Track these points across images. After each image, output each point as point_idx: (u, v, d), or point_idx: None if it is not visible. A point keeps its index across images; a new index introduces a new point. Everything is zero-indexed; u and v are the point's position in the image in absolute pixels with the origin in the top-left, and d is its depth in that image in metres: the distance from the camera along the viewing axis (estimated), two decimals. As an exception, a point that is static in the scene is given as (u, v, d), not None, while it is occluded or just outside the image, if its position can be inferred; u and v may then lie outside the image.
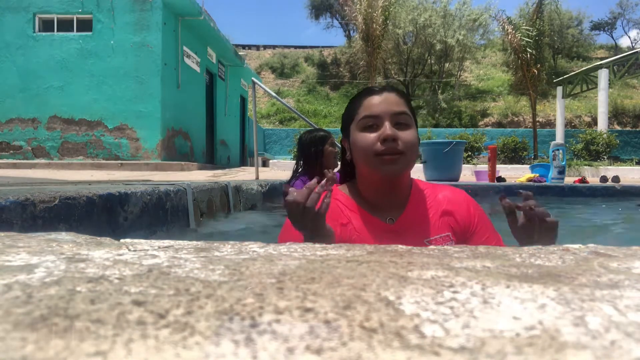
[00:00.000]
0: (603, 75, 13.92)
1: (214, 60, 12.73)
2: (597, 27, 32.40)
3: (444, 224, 1.20)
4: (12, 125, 9.56)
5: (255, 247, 0.42)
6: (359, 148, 1.18)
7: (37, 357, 0.20)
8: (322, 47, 32.53)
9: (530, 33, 15.68)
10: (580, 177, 6.81)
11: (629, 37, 36.02)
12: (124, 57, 9.34)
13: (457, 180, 6.49)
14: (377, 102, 1.18)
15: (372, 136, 1.15)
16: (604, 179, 7.21)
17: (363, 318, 0.24)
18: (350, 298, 0.27)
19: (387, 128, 1.13)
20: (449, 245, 1.06)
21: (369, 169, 1.17)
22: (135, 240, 0.44)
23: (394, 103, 1.18)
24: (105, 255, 0.37)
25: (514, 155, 13.02)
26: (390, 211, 1.20)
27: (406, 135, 1.15)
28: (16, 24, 9.41)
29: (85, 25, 9.53)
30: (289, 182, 2.74)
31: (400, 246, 0.43)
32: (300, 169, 2.81)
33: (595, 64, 15.53)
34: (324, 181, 1.05)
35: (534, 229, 1.04)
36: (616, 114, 22.91)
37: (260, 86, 5.76)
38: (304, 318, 0.24)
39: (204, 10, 10.27)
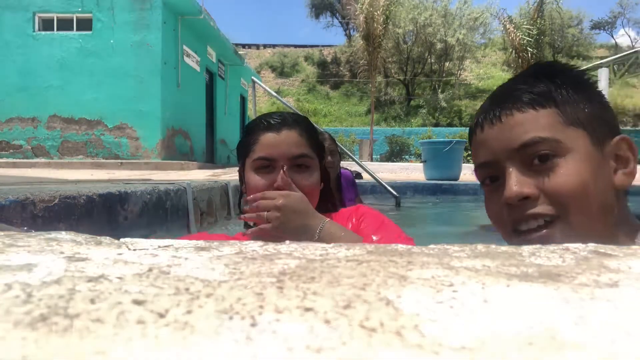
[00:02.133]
0: (603, 75, 13.88)
1: (214, 60, 12.73)
2: (597, 26, 32.40)
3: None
4: (12, 125, 9.55)
5: (255, 247, 0.42)
6: (250, 190, 1.07)
7: (37, 357, 0.20)
8: (322, 46, 32.51)
9: (531, 32, 15.67)
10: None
11: (629, 36, 36.00)
12: (124, 56, 9.33)
13: (457, 179, 6.49)
14: (274, 143, 1.05)
15: (263, 181, 1.04)
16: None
17: (363, 317, 0.24)
18: (350, 297, 0.27)
19: (280, 176, 1.02)
20: None
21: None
22: (135, 240, 0.44)
23: (293, 144, 1.06)
24: (105, 255, 0.37)
25: (514, 154, 13.00)
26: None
27: (304, 179, 1.05)
28: (16, 23, 9.40)
29: (85, 25, 9.52)
30: None
31: (400, 245, 0.43)
32: None
33: (595, 63, 15.51)
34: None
35: None
36: (616, 113, 22.89)
37: (260, 85, 5.76)
38: (303, 317, 0.24)
39: (204, 10, 10.27)
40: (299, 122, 1.12)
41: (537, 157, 0.66)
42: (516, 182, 0.66)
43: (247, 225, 1.20)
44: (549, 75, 0.71)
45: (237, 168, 1.24)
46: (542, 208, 0.66)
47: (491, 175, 0.73)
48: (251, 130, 1.12)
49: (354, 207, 1.27)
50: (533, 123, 0.67)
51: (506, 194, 0.67)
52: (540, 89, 0.70)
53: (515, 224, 0.69)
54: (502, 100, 0.71)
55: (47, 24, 9.61)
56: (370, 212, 1.22)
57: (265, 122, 1.09)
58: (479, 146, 0.74)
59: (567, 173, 0.65)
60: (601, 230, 0.66)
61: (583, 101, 0.70)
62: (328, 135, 2.69)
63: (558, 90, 0.70)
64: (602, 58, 19.91)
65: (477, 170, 0.76)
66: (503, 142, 0.69)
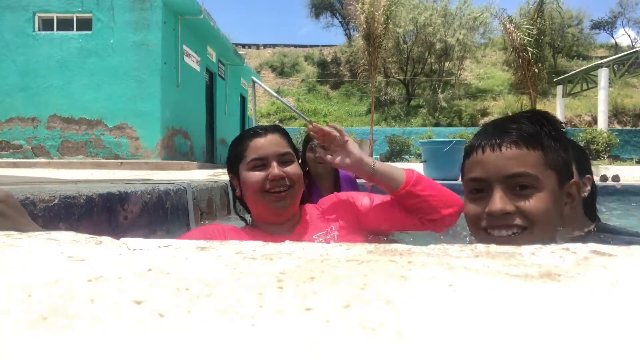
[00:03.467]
0: (603, 74, 13.90)
1: (214, 59, 12.72)
2: (597, 26, 32.36)
3: (323, 223, 1.36)
4: (12, 124, 9.55)
5: (255, 246, 0.42)
6: (249, 186, 1.28)
7: (37, 357, 0.20)
8: (322, 46, 32.49)
9: (531, 32, 15.64)
10: (580, 176, 6.78)
11: (629, 36, 35.96)
12: (124, 56, 9.33)
13: (456, 179, 6.49)
14: (263, 145, 1.28)
15: (261, 175, 1.26)
16: (604, 178, 7.21)
17: (363, 317, 0.24)
18: (350, 297, 0.27)
19: (274, 168, 1.25)
20: (332, 235, 1.29)
21: (262, 205, 1.27)
22: (135, 239, 0.44)
23: (278, 144, 1.29)
24: (105, 255, 0.37)
25: (514, 154, 12.98)
26: (289, 228, 1.33)
27: (291, 169, 1.28)
28: (16, 22, 9.39)
29: (85, 24, 9.51)
30: None
31: (400, 245, 0.43)
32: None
33: (596, 63, 15.53)
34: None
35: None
36: (616, 113, 22.90)
37: (260, 85, 5.76)
38: (304, 317, 0.24)
39: (204, 9, 10.26)
40: (278, 128, 1.36)
41: (519, 186, 0.88)
42: (500, 200, 0.87)
43: (244, 220, 1.44)
44: (540, 123, 0.92)
45: None
46: (518, 221, 0.87)
47: (477, 188, 0.93)
48: (238, 142, 1.33)
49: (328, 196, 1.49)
50: (523, 159, 0.88)
51: (492, 208, 0.88)
52: (534, 132, 0.90)
53: (489, 228, 0.90)
54: (504, 132, 0.91)
55: (47, 24, 9.60)
56: (349, 193, 1.45)
57: (252, 132, 1.32)
58: (476, 163, 0.93)
59: (539, 202, 0.87)
60: (549, 238, 0.91)
61: (560, 149, 0.92)
62: None
63: (546, 137, 0.91)
64: (602, 58, 19.88)
65: (467, 181, 0.95)
66: (498, 167, 0.89)
